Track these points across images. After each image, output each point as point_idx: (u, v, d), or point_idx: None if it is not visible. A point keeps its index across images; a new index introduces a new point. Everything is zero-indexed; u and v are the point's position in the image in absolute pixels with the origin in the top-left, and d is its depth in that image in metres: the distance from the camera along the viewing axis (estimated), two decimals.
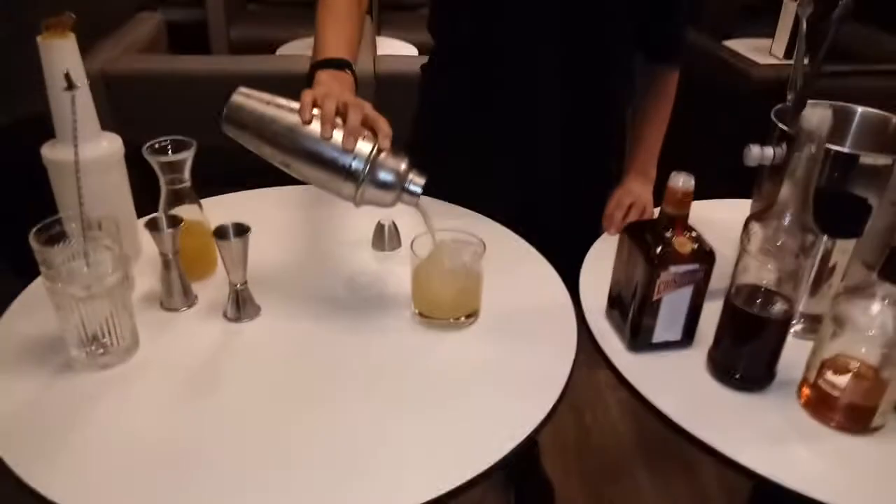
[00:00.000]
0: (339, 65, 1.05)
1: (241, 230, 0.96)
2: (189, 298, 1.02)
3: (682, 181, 0.90)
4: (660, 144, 1.37)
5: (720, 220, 1.11)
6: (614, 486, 1.89)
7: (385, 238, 1.16)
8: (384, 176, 0.91)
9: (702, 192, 0.94)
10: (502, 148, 1.32)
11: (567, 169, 1.34)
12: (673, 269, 0.92)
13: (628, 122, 1.38)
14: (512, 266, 1.14)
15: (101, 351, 0.90)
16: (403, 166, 0.92)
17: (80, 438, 0.80)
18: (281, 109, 0.92)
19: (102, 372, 0.90)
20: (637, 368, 0.96)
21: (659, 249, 0.92)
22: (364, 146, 0.91)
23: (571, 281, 1.12)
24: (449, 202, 1.28)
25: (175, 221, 0.98)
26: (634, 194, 1.30)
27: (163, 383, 0.89)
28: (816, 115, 0.79)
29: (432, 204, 1.27)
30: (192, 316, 1.01)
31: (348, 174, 0.90)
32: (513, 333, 1.00)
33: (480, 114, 1.31)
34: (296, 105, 0.92)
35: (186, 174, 1.02)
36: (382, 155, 0.91)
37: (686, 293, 0.94)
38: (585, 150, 1.33)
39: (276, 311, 1.02)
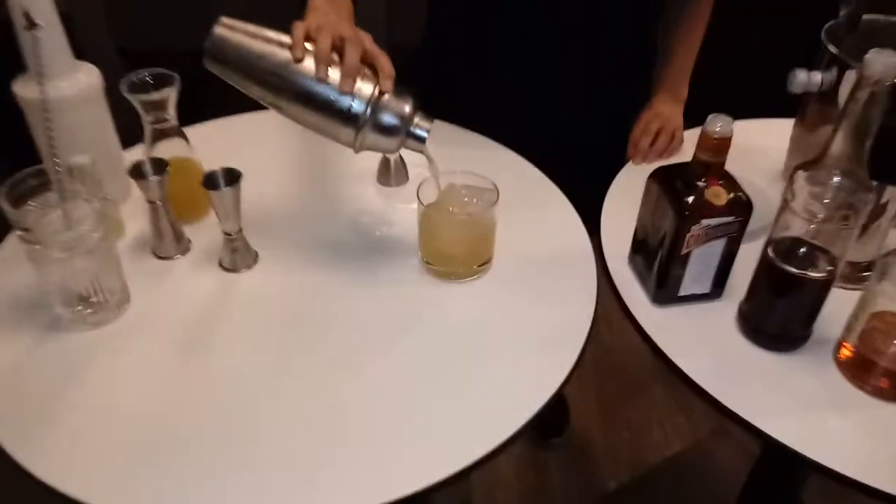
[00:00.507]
0: None
1: (233, 177, 0.88)
2: (182, 245, 0.96)
3: (719, 126, 0.80)
4: (692, 61, 1.24)
5: (756, 146, 1.01)
6: (631, 405, 1.87)
7: (391, 172, 1.08)
8: (387, 119, 0.82)
9: (735, 112, 0.84)
10: (521, 71, 1.20)
11: (591, 96, 1.22)
12: (705, 222, 0.84)
13: (659, 35, 1.24)
14: (528, 203, 1.06)
15: (90, 310, 0.84)
16: (408, 109, 0.83)
17: (66, 407, 0.76)
18: (270, 44, 0.82)
19: (92, 331, 0.85)
20: (661, 323, 0.89)
21: (690, 199, 0.83)
22: (364, 87, 0.81)
23: (592, 218, 1.04)
24: (459, 126, 1.19)
25: (161, 166, 0.90)
26: (663, 117, 1.19)
27: (155, 344, 0.84)
28: (881, 61, 0.68)
29: (442, 129, 1.18)
30: (185, 264, 0.95)
31: (347, 118, 0.81)
32: (529, 283, 0.93)
33: (498, 35, 1.19)
34: (286, 39, 0.82)
35: (171, 111, 0.93)
36: (385, 97, 0.82)
37: (718, 246, 0.86)
38: (611, 76, 1.21)
39: (274, 259, 0.95)
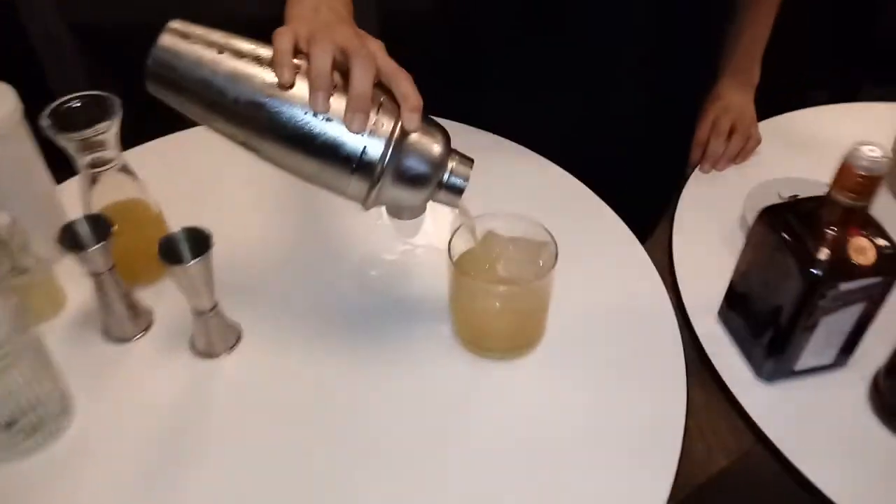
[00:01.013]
0: None
1: (200, 241, 0.65)
2: (140, 321, 0.73)
3: (866, 157, 0.58)
4: (767, 36, 1.00)
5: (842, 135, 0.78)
6: None
7: (407, 212, 0.85)
8: (413, 166, 0.59)
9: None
10: (564, 73, 0.96)
11: (646, 84, 0.98)
12: (844, 286, 0.62)
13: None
14: (579, 237, 0.83)
15: (20, 435, 0.62)
16: (439, 150, 0.60)
17: None
18: (243, 61, 0.58)
19: (25, 461, 0.63)
20: (771, 406, 0.69)
21: (824, 257, 0.62)
22: (381, 123, 0.58)
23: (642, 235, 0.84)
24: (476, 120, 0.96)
25: (102, 226, 0.66)
26: (734, 110, 0.97)
27: (110, 467, 0.62)
28: None
29: (468, 135, 0.95)
30: (146, 348, 0.72)
31: (357, 166, 0.58)
32: (593, 357, 0.72)
33: (534, 34, 0.95)
34: (265, 52, 0.58)
35: (113, 146, 0.70)
36: (411, 136, 0.59)
37: (854, 311, 0.65)
38: (671, 58, 0.97)
39: (262, 335, 0.73)
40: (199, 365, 0.71)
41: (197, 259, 0.63)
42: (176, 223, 0.78)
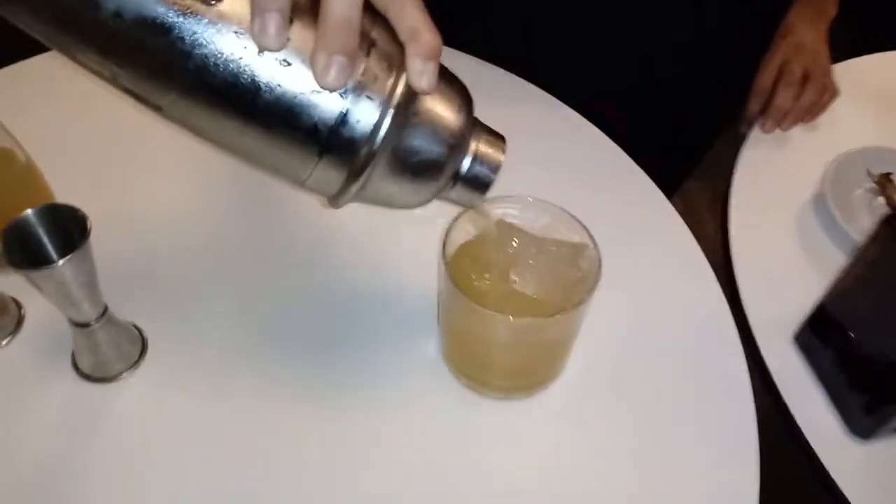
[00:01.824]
0: None
1: (68, 226, 0.43)
2: (4, 322, 0.52)
3: None
4: None
5: None
6: None
7: None
8: (420, 148, 0.37)
9: None
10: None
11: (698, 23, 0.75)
12: None
13: None
14: (614, 220, 0.63)
15: None
16: (458, 123, 0.38)
17: None
18: None
19: None
20: (862, 468, 0.51)
21: None
22: (371, 73, 0.35)
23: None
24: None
25: None
26: (807, 53, 0.76)
27: None
28: None
29: (471, 66, 0.73)
30: (14, 361, 0.52)
31: (329, 143, 0.35)
32: (625, 398, 0.53)
33: None
34: None
35: None
36: (423, 100, 0.37)
37: None
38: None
39: (177, 348, 0.53)
40: (82, 391, 0.50)
41: (71, 254, 0.42)
42: (56, 175, 0.57)
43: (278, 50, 0.33)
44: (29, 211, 0.43)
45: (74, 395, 0.50)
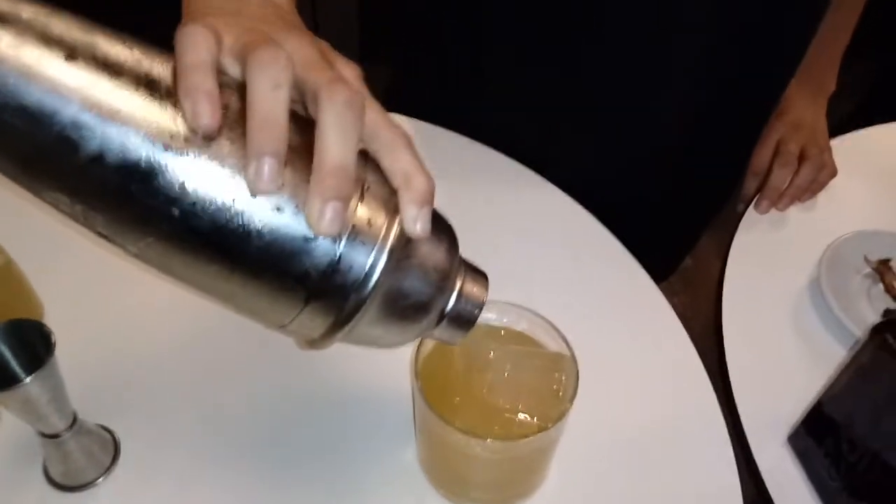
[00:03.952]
0: None
1: (31, 340, 0.43)
2: None
3: None
4: (847, 39, 0.79)
5: None
6: None
7: None
8: (412, 290, 0.36)
9: None
10: (598, 91, 0.72)
11: (696, 108, 0.74)
12: None
13: None
14: (600, 311, 0.62)
15: None
16: (445, 263, 0.37)
17: None
18: (112, 79, 0.30)
19: None
20: None
21: None
22: (366, 218, 0.34)
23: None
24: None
25: None
26: (803, 132, 0.75)
27: None
28: None
29: (458, 146, 0.73)
30: None
31: (315, 289, 0.34)
32: None
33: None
34: (159, 69, 0.31)
35: None
36: (418, 244, 0.36)
37: None
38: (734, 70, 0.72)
39: (147, 445, 0.52)
40: (56, 501, 0.49)
41: (31, 377, 0.41)
42: (37, 271, 0.57)
43: (272, 193, 0.32)
44: None
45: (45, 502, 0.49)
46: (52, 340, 0.43)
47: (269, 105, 0.31)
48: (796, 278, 0.66)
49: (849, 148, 0.78)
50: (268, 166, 0.30)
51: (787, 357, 0.60)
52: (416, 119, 0.76)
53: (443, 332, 0.40)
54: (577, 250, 0.66)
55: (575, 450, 0.50)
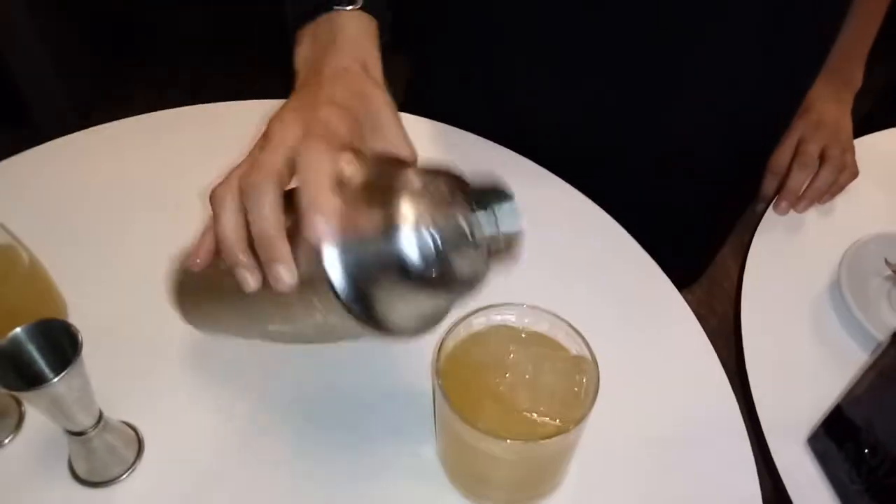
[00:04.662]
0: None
1: (59, 340, 0.43)
2: (6, 422, 0.53)
3: None
4: (874, 32, 0.77)
5: None
6: None
7: None
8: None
9: None
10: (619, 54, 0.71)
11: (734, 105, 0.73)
12: None
13: None
14: (620, 312, 0.62)
15: None
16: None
17: None
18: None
19: None
20: None
21: None
22: None
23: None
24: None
25: None
26: (828, 127, 0.74)
27: None
28: None
29: (481, 147, 0.73)
30: (13, 460, 0.51)
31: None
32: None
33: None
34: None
35: None
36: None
37: None
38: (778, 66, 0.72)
39: (170, 444, 0.52)
40: (81, 497, 0.50)
41: (59, 377, 0.42)
42: (62, 271, 0.57)
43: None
44: (18, 329, 0.43)
45: (71, 501, 0.50)
46: (80, 340, 0.43)
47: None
48: (816, 280, 0.66)
49: (868, 148, 0.77)
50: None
51: (807, 359, 0.60)
52: (435, 121, 0.77)
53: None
54: (599, 255, 0.66)
55: (594, 451, 0.51)
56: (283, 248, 0.37)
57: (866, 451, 0.50)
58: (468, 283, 0.37)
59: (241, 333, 0.50)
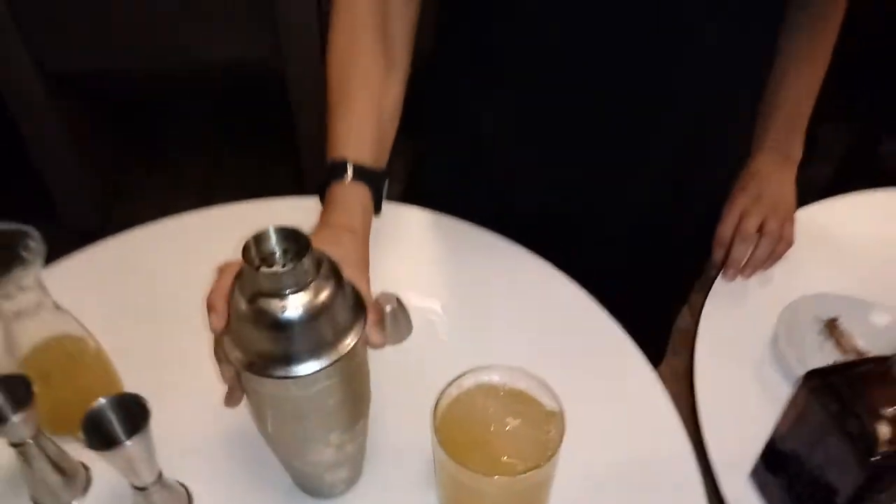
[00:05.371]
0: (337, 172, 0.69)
1: (134, 412, 0.54)
2: (75, 486, 0.63)
3: None
4: (812, 105, 0.87)
5: None
6: None
7: (387, 328, 0.73)
8: None
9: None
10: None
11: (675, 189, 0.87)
12: None
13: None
14: (587, 366, 0.72)
15: None
16: None
17: None
18: None
19: None
20: None
21: (887, 443, 0.51)
22: None
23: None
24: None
25: (20, 390, 0.56)
26: (767, 199, 0.84)
27: None
28: None
29: (445, 225, 0.84)
30: None
31: None
32: None
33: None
34: None
35: (35, 287, 0.59)
36: None
37: None
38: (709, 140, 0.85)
39: (216, 499, 0.63)
40: None
41: (132, 439, 0.53)
42: (121, 357, 0.68)
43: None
44: (102, 400, 0.54)
45: None
46: (149, 409, 0.54)
47: None
48: (759, 337, 0.76)
49: (808, 218, 0.87)
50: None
51: (752, 405, 0.70)
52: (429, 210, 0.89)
53: None
54: (570, 322, 0.77)
55: (568, 488, 0.61)
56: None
57: (795, 479, 0.60)
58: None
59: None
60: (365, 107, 0.72)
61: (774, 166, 0.88)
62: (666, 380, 0.72)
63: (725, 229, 0.85)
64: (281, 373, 0.49)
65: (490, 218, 0.86)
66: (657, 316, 1.01)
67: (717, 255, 0.85)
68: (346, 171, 0.68)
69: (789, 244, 0.84)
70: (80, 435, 0.53)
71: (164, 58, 1.63)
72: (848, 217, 0.93)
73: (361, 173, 0.69)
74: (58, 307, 0.62)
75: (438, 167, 0.95)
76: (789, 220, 0.85)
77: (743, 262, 0.82)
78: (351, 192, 0.68)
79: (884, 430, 0.52)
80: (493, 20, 0.77)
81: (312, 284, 0.49)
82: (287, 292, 0.48)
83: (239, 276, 0.50)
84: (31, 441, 0.57)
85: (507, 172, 0.87)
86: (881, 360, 0.54)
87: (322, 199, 0.70)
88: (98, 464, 0.64)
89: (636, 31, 0.72)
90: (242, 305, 0.49)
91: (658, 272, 0.93)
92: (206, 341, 0.60)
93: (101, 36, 1.59)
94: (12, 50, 1.62)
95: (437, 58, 0.86)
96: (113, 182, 2.09)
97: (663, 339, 1.06)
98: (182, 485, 0.63)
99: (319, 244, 0.51)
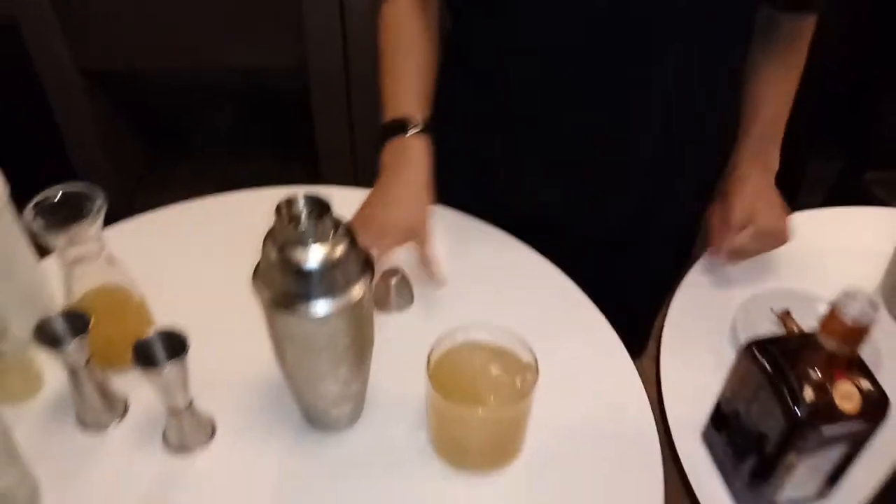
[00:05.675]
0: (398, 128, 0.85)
1: (175, 345, 0.64)
2: (115, 410, 0.73)
3: (856, 310, 0.57)
4: (786, 117, 0.94)
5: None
6: None
7: (391, 295, 0.84)
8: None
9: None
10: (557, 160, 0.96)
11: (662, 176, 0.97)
12: (827, 429, 0.61)
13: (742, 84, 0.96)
14: (565, 344, 0.82)
15: None
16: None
17: None
18: None
19: None
20: None
21: (808, 402, 0.60)
22: None
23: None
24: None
25: (79, 322, 0.66)
26: (766, 203, 0.93)
27: None
28: None
29: (457, 220, 0.95)
30: (120, 439, 0.71)
31: None
32: (570, 473, 0.70)
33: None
34: None
35: (95, 240, 0.69)
36: None
37: (837, 451, 0.64)
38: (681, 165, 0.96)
39: (237, 431, 0.72)
40: (172, 461, 0.70)
41: (171, 362, 0.63)
42: (158, 308, 0.78)
43: None
44: (151, 332, 0.64)
45: (164, 464, 0.69)
46: (187, 344, 0.64)
47: None
48: (721, 326, 0.86)
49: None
50: None
51: (709, 381, 0.79)
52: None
53: None
54: (553, 304, 0.87)
55: (540, 437, 0.70)
56: None
57: (737, 434, 0.69)
58: None
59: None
60: (415, 67, 0.89)
61: (759, 174, 0.92)
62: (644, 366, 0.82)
63: (712, 226, 0.93)
64: (301, 310, 0.59)
65: (476, 213, 0.97)
66: (637, 308, 1.10)
67: (713, 238, 0.91)
68: (407, 126, 0.83)
69: (784, 241, 0.90)
70: (131, 358, 0.63)
71: (196, 61, 1.75)
72: (806, 229, 1.02)
73: (422, 128, 0.84)
74: (111, 260, 0.72)
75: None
76: (783, 218, 0.90)
77: (728, 247, 0.88)
78: (415, 145, 0.83)
79: (808, 391, 0.61)
80: (474, 30, 0.91)
81: (331, 239, 0.59)
82: (310, 242, 0.58)
83: (271, 232, 0.60)
84: (83, 367, 0.67)
85: (491, 173, 0.98)
86: (811, 335, 0.63)
87: (379, 152, 0.84)
88: (136, 393, 0.74)
89: (606, 52, 0.82)
90: (273, 254, 0.59)
91: (636, 270, 1.03)
92: (233, 297, 0.71)
93: (139, 38, 1.71)
94: (55, 48, 1.74)
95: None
96: (138, 175, 2.20)
97: (644, 333, 1.14)
98: (208, 415, 0.72)
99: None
